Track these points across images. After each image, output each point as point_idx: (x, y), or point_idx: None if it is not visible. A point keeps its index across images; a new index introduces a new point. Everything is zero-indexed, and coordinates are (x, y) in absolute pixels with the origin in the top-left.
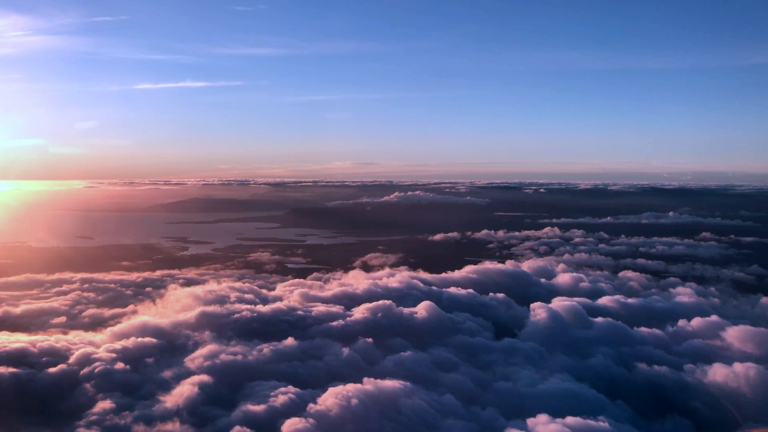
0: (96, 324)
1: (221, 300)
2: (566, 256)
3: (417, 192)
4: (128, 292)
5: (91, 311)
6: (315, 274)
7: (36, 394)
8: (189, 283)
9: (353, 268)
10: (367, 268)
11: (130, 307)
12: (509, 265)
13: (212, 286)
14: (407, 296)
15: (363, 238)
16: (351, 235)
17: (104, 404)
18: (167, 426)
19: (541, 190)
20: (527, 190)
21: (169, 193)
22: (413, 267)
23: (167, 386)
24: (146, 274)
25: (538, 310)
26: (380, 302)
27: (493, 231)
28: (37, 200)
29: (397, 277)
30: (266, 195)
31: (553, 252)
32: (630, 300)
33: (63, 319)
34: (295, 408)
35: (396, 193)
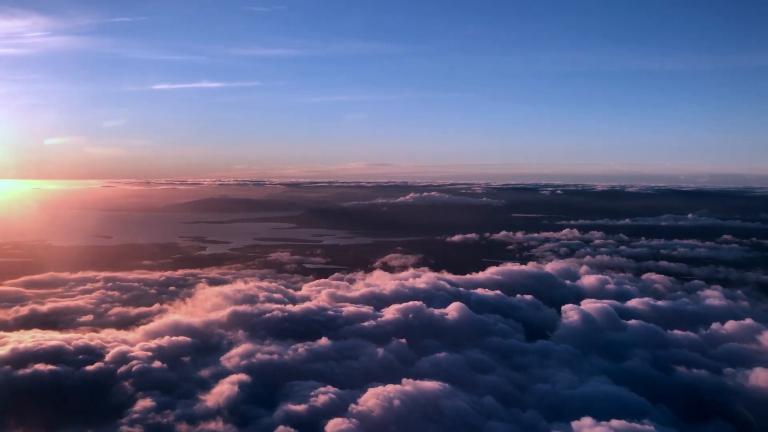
0: (123, 322)
1: (251, 299)
2: (587, 258)
3: (432, 193)
4: (152, 291)
5: (117, 310)
6: (336, 275)
7: (74, 391)
8: (212, 282)
9: (373, 269)
10: (387, 268)
11: (156, 306)
12: (531, 266)
13: (240, 286)
14: (435, 297)
15: (380, 238)
16: (367, 236)
17: (145, 402)
18: (210, 425)
19: (558, 191)
20: (544, 192)
21: (185, 193)
22: (433, 268)
23: (206, 385)
24: (168, 273)
25: (570, 312)
26: (410, 303)
27: (511, 232)
28: (56, 199)
29: (423, 278)
30: (281, 195)
31: (574, 254)
32: (659, 302)
33: (90, 317)
34: (336, 408)
35: (411, 194)
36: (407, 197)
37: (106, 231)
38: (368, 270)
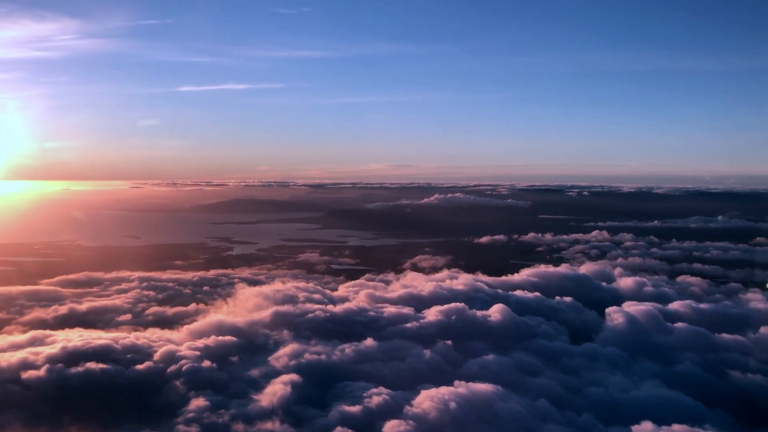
0: (160, 322)
1: (291, 299)
2: (619, 260)
3: (457, 194)
4: (186, 290)
5: (154, 309)
6: (367, 276)
7: (126, 390)
8: (246, 282)
9: (403, 270)
10: (417, 269)
11: (192, 306)
12: (564, 268)
13: (278, 286)
14: (474, 299)
15: (406, 239)
16: (393, 237)
17: (198, 402)
18: (267, 425)
19: (585, 192)
20: (570, 193)
21: (211, 194)
22: (464, 269)
23: (257, 385)
24: (201, 274)
25: (614, 315)
26: (452, 305)
27: (540, 234)
28: (85, 200)
29: (461, 280)
30: (305, 196)
31: (605, 256)
32: (702, 305)
33: (128, 317)
34: (390, 410)
35: (436, 195)
36: (431, 198)
37: (135, 231)
38: (398, 271)
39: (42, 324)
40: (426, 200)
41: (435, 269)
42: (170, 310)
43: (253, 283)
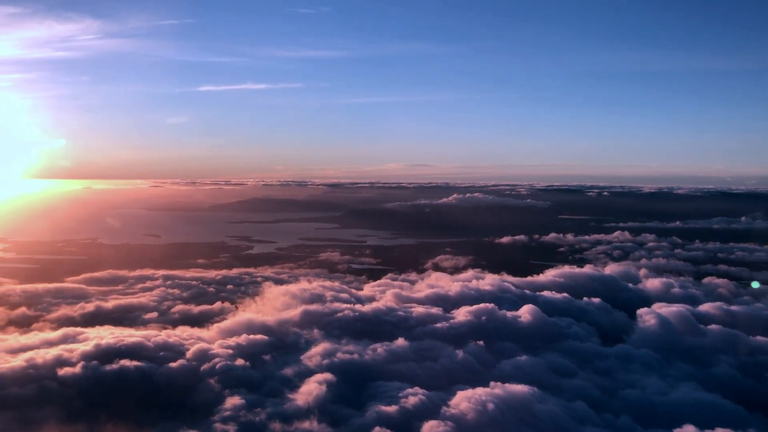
0: (187, 320)
1: (318, 299)
2: (643, 260)
3: (476, 194)
4: (210, 289)
5: (180, 307)
6: (390, 275)
7: (160, 388)
8: (268, 281)
9: (425, 270)
10: (438, 269)
11: (218, 305)
12: (589, 269)
13: (305, 285)
14: (501, 300)
15: (425, 239)
16: (411, 237)
17: (234, 400)
18: (304, 424)
19: (605, 193)
20: (589, 193)
21: (230, 193)
22: (486, 270)
23: (291, 384)
24: (224, 272)
25: (646, 317)
26: (482, 305)
27: (561, 234)
28: (106, 199)
29: (487, 280)
30: (323, 196)
31: (628, 257)
32: (733, 307)
33: (155, 314)
34: (426, 410)
35: (454, 195)
36: (450, 198)
37: (155, 230)
38: (420, 271)
39: (69, 321)
40: (444, 200)
41: (457, 269)
42: (196, 309)
43: (276, 282)
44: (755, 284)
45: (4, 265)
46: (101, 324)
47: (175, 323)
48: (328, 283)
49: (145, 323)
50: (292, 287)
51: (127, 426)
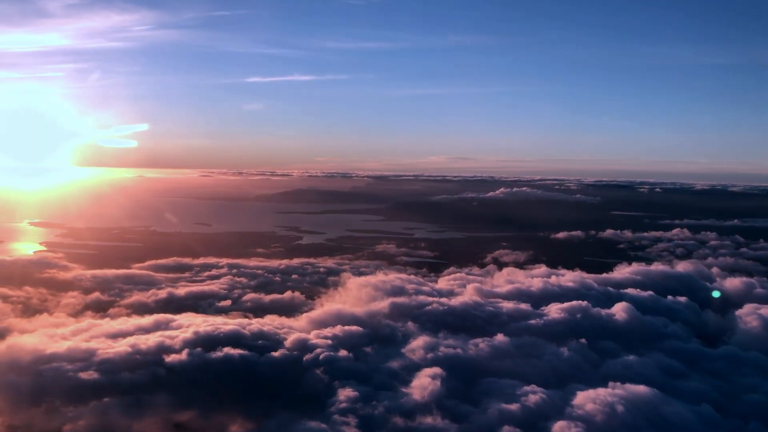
0: (260, 309)
1: (401, 291)
2: (709, 259)
3: (523, 188)
4: (276, 278)
5: (250, 296)
6: (451, 269)
7: (267, 377)
8: (330, 272)
9: (485, 264)
10: (499, 264)
11: (288, 294)
12: (663, 266)
13: (383, 277)
14: (587, 297)
15: (474, 233)
16: (460, 230)
17: (347, 392)
18: (426, 419)
19: (657, 189)
20: (641, 189)
21: (276, 184)
22: (548, 265)
23: (399, 377)
24: (285, 262)
25: (748, 318)
26: (575, 302)
27: (618, 231)
28: (157, 187)
29: (568, 277)
30: (367, 188)
31: (692, 255)
32: None
33: (228, 302)
34: (549, 409)
35: (501, 189)
36: (497, 192)
37: (206, 219)
38: (481, 265)
39: (143, 308)
40: (491, 194)
41: (518, 264)
42: (266, 297)
43: (335, 273)
44: None
45: (68, 251)
46: (175, 311)
47: (247, 311)
48: (404, 276)
49: (219, 311)
50: (372, 279)
51: (240, 414)
